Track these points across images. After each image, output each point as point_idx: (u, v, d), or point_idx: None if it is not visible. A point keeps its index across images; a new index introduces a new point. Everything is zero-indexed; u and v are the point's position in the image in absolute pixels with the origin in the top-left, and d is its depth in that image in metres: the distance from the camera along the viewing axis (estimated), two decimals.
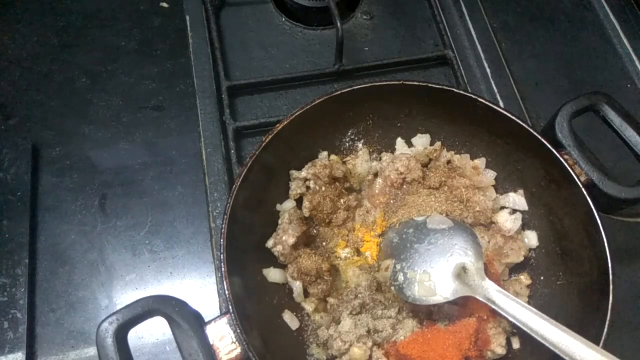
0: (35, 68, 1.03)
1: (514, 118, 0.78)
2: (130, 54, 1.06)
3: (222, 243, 0.68)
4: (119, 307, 0.82)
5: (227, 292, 0.66)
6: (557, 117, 0.77)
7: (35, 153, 0.93)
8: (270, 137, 0.75)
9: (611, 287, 0.67)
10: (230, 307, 0.65)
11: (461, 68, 1.04)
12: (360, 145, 0.88)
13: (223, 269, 0.67)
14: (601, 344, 0.63)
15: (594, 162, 0.75)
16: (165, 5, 1.11)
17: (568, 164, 0.74)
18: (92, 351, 0.80)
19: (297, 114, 0.77)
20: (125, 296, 0.84)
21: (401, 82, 0.80)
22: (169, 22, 1.09)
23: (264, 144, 0.75)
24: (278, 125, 0.76)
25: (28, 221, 0.86)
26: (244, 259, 0.73)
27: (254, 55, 1.05)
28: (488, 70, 1.05)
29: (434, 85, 0.80)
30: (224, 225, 0.69)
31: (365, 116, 0.86)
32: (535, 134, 0.76)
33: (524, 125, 0.77)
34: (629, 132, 0.75)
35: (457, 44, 1.08)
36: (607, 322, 0.65)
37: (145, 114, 1.00)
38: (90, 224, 0.89)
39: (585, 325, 0.69)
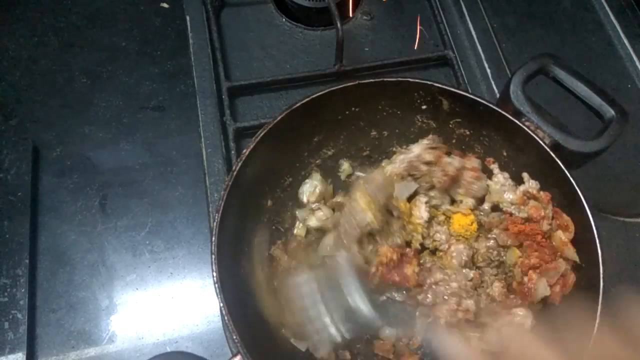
0: (35, 68, 1.02)
1: (469, 95, 0.79)
2: (130, 54, 1.05)
3: (218, 289, 0.67)
4: (119, 308, 0.83)
5: (234, 337, 0.64)
6: (509, 86, 0.77)
7: (35, 153, 0.93)
8: (237, 168, 0.74)
9: (597, 241, 0.68)
10: (240, 348, 0.64)
11: (461, 68, 1.04)
12: (326, 151, 0.89)
13: (228, 320, 0.65)
14: (599, 298, 0.65)
15: (554, 123, 0.76)
16: (165, 5, 1.11)
17: (530, 129, 0.75)
18: (92, 351, 0.80)
19: (261, 135, 0.76)
20: (125, 296, 0.84)
21: (357, 82, 0.80)
22: (169, 22, 1.09)
23: (232, 179, 0.73)
24: (243, 153, 0.75)
25: (28, 221, 0.86)
26: (242, 297, 0.73)
27: (254, 55, 1.05)
28: (488, 71, 1.05)
29: (388, 79, 0.81)
30: (214, 268, 0.68)
31: (328, 121, 0.85)
32: (492, 106, 0.77)
33: (481, 100, 0.78)
34: (579, 87, 0.76)
35: (457, 44, 1.08)
36: (601, 275, 0.67)
37: (145, 114, 0.99)
38: (91, 224, 0.89)
39: (583, 280, 0.72)
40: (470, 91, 1.01)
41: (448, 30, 1.08)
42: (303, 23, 1.10)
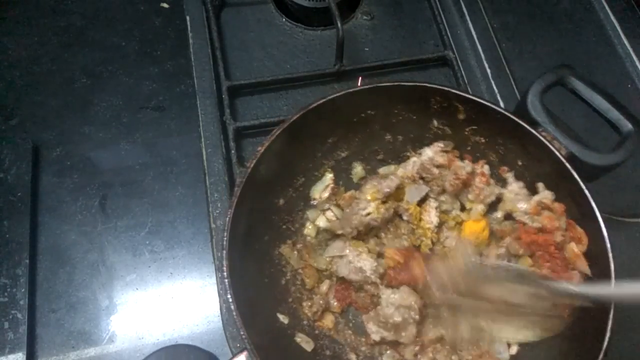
0: (35, 68, 1.02)
1: (486, 103, 0.78)
2: (130, 54, 1.05)
3: (227, 284, 0.67)
4: (119, 308, 0.83)
5: (242, 333, 0.65)
6: (527, 95, 0.77)
7: (35, 153, 0.93)
8: (252, 165, 0.74)
9: (610, 254, 0.68)
10: (247, 345, 0.65)
11: (461, 68, 1.04)
12: (340, 152, 0.89)
13: (236, 316, 0.66)
14: (611, 310, 0.65)
15: (570, 134, 0.75)
16: (165, 5, 1.11)
17: (547, 140, 0.74)
18: (92, 351, 0.80)
19: (276, 134, 0.76)
20: (125, 296, 0.84)
21: (373, 85, 0.80)
22: (169, 22, 1.09)
23: (246, 176, 0.73)
24: (258, 150, 0.75)
25: (28, 221, 0.85)
26: (251, 295, 0.73)
27: (254, 55, 1.05)
28: (488, 71, 1.05)
29: (405, 84, 0.80)
30: (225, 263, 0.68)
31: (343, 123, 0.85)
32: (510, 115, 0.77)
33: (498, 108, 0.78)
34: (597, 100, 0.75)
35: (457, 44, 1.08)
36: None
37: (145, 114, 0.99)
38: (91, 224, 0.89)
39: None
40: (470, 92, 1.01)
41: (448, 30, 1.08)
42: (303, 23, 1.10)
